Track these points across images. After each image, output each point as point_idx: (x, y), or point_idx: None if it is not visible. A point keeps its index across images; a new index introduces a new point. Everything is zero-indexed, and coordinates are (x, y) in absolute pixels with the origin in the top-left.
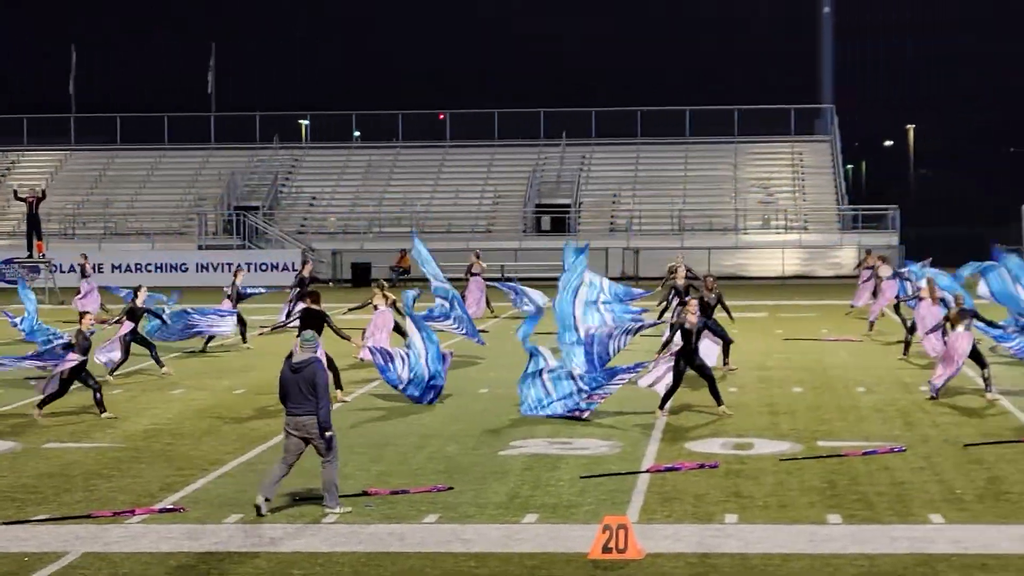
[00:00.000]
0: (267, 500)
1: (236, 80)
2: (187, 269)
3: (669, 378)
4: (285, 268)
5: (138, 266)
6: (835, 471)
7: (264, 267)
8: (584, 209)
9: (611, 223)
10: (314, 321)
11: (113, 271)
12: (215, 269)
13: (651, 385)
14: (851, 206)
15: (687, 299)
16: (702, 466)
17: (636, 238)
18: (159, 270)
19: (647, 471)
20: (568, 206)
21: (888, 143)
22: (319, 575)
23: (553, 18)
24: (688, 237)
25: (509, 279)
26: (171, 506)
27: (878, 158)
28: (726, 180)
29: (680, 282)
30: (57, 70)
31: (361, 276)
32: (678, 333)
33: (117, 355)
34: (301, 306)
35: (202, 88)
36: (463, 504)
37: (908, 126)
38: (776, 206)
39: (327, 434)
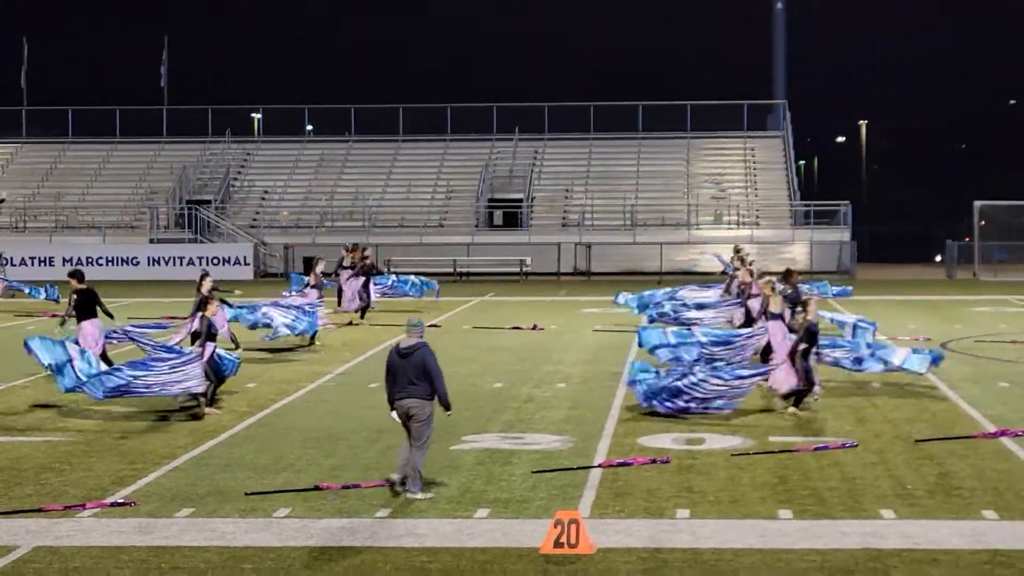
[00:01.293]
0: (400, 480)
1: (189, 74)
2: (138, 263)
3: (793, 379)
4: (237, 262)
5: (89, 259)
6: (786, 466)
7: (216, 261)
8: (536, 204)
9: (563, 218)
10: (87, 300)
11: (64, 264)
12: (166, 263)
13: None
14: (803, 202)
15: (807, 299)
16: (654, 461)
17: (588, 233)
18: (110, 264)
19: (599, 466)
20: (520, 201)
21: (840, 139)
22: (270, 569)
23: (507, 17)
24: (640, 232)
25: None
26: (122, 500)
27: (830, 154)
28: (678, 175)
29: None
30: (9, 62)
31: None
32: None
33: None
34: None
35: (155, 81)
36: (415, 499)
37: (860, 122)
38: (728, 202)
39: (448, 413)
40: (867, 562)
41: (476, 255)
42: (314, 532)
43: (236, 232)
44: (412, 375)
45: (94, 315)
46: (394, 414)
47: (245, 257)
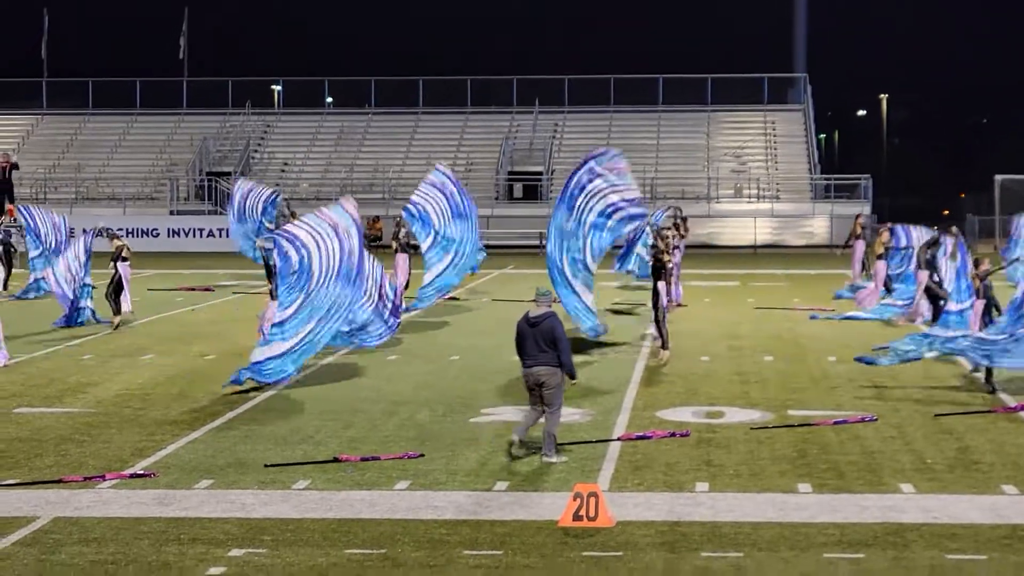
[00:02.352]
0: (521, 442)
1: (208, 45)
2: (159, 234)
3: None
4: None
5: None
6: (806, 440)
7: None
8: (556, 176)
9: None
10: None
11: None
12: (186, 235)
13: None
14: (823, 175)
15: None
16: (673, 435)
17: None
18: (130, 235)
19: (618, 439)
20: (540, 173)
21: (861, 113)
22: (289, 541)
23: None
24: (661, 205)
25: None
26: (142, 471)
27: (851, 128)
28: (698, 149)
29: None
30: (29, 34)
31: None
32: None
33: None
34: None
35: (174, 53)
36: (434, 471)
37: (881, 96)
38: (748, 175)
39: (573, 382)
40: (886, 536)
41: (496, 228)
42: (333, 504)
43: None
44: (541, 343)
45: None
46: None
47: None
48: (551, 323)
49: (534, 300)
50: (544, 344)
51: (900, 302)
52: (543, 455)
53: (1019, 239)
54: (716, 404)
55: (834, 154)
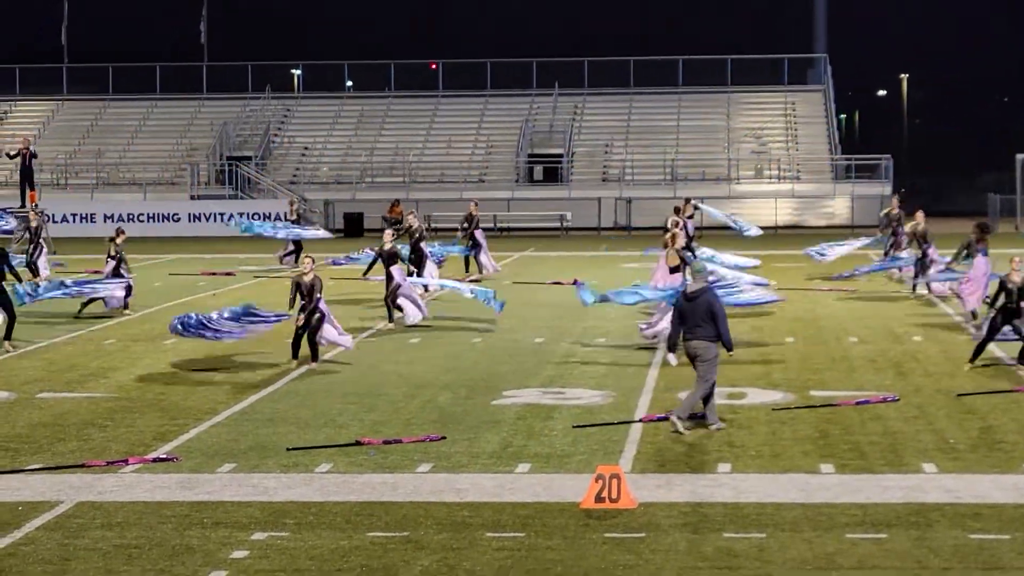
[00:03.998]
0: (693, 416)
1: (228, 30)
2: (179, 219)
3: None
4: (277, 218)
5: (130, 216)
6: (828, 420)
7: (256, 216)
8: (577, 159)
9: (603, 173)
10: None
11: (105, 221)
12: (207, 219)
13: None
14: (844, 156)
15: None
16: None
17: (628, 188)
18: (151, 220)
19: (640, 421)
20: (561, 156)
21: (881, 93)
22: (312, 524)
23: None
24: (681, 187)
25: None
26: (165, 455)
27: (871, 108)
28: (719, 130)
29: (921, 226)
30: (49, 20)
31: (353, 226)
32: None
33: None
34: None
35: (195, 38)
36: (456, 454)
37: (901, 76)
38: (769, 156)
39: (730, 354)
40: (908, 516)
41: (516, 210)
42: (355, 487)
43: (276, 188)
44: (699, 317)
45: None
46: (671, 356)
47: (285, 214)
48: (708, 298)
49: (691, 275)
50: (701, 318)
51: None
52: (708, 424)
53: None
54: (737, 385)
55: (854, 134)
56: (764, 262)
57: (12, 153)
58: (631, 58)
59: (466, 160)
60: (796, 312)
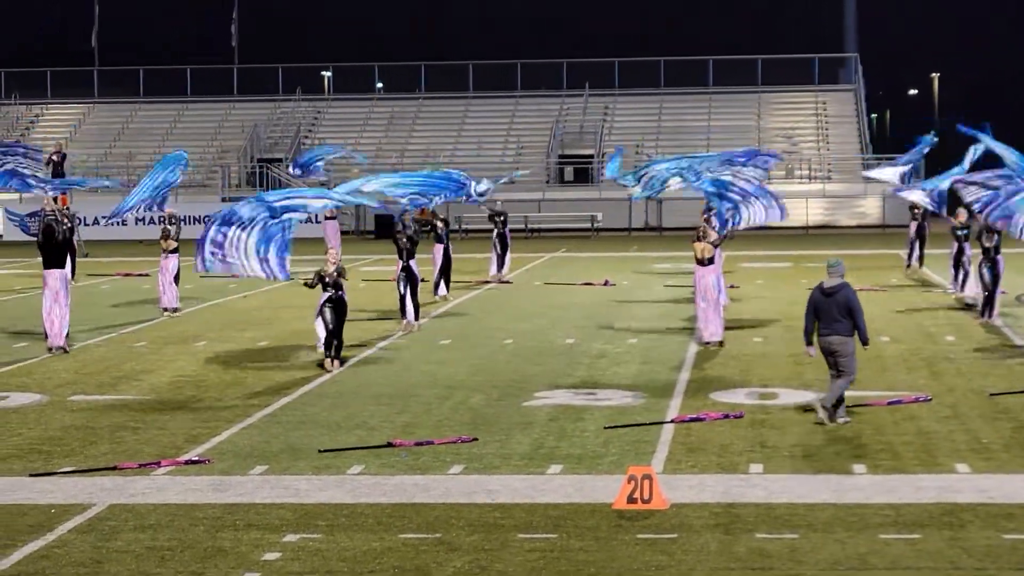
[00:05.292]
0: (826, 409)
1: (259, 32)
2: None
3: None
4: (308, 220)
5: (161, 218)
6: (860, 421)
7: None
8: (607, 160)
9: None
10: None
11: (136, 224)
12: None
13: None
14: (875, 155)
15: None
16: (727, 416)
17: None
18: (183, 222)
19: (672, 421)
20: (591, 156)
21: (912, 92)
22: (344, 526)
23: None
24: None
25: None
26: (197, 458)
27: (902, 107)
28: (749, 130)
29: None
30: (80, 23)
31: (384, 228)
32: None
33: None
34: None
35: (225, 40)
36: (488, 455)
37: (932, 75)
38: (800, 156)
39: (866, 347)
40: (941, 516)
41: (547, 211)
42: (387, 489)
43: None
44: (836, 313)
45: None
46: (811, 349)
47: (316, 215)
48: (846, 293)
49: (827, 271)
50: (839, 314)
51: None
52: (837, 418)
53: None
54: (770, 385)
55: (885, 134)
56: (794, 262)
57: (56, 159)
58: (661, 58)
59: (496, 161)
60: None
